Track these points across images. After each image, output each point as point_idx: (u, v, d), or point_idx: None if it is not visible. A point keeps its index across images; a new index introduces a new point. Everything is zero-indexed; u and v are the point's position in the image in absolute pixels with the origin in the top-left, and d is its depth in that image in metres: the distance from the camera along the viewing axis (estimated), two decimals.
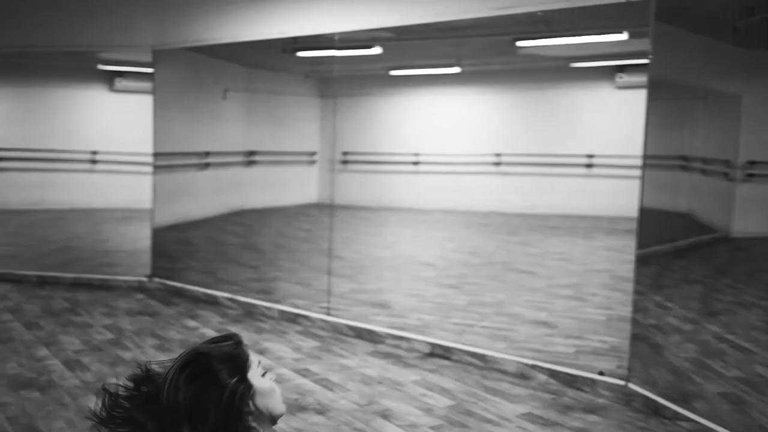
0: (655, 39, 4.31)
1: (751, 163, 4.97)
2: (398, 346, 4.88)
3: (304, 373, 4.38)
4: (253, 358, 1.55)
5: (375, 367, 4.50)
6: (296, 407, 3.84)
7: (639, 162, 6.91)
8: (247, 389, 1.48)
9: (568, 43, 7.49)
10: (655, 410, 3.86)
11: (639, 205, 4.32)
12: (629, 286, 5.20)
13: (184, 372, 1.47)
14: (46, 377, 4.22)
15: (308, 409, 3.82)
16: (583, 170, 9.33)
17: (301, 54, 7.43)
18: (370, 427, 3.62)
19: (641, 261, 4.60)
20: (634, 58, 9.08)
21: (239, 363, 1.51)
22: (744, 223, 5.29)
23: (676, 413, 3.74)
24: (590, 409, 3.92)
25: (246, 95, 8.07)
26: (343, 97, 6.58)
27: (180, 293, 6.37)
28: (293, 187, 9.22)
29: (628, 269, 6.44)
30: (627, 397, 4.02)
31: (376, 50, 6.88)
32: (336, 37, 5.62)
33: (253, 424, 1.48)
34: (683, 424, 3.68)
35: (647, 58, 4.84)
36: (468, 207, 9.54)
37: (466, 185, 9.61)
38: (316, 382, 4.24)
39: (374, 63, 8.74)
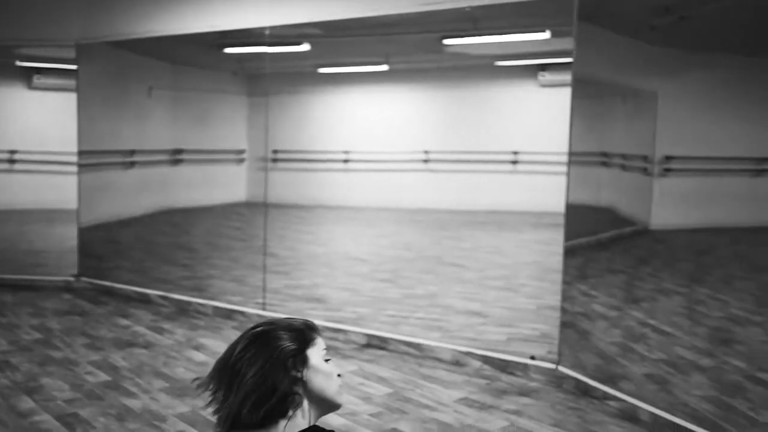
0: (578, 38, 4.46)
1: (668, 158, 5.20)
2: (335, 338, 4.93)
3: None
4: (321, 341, 1.54)
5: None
6: None
7: (563, 158, 7.12)
8: (300, 356, 1.48)
9: (493, 42, 7.66)
10: (585, 391, 4.01)
11: (566, 199, 4.48)
12: (557, 277, 5.38)
13: (249, 332, 1.50)
14: None
15: None
16: (509, 167, 9.56)
17: (229, 50, 7.37)
18: None
19: (568, 253, 4.76)
20: (555, 57, 9.35)
21: (302, 336, 1.51)
22: (662, 216, 5.54)
23: (605, 393, 3.90)
24: (523, 392, 4.05)
25: (172, 93, 7.95)
26: (271, 95, 6.57)
27: (109, 292, 6.25)
28: (221, 185, 9.14)
29: (555, 261, 6.65)
30: (558, 380, 4.17)
31: (305, 47, 6.89)
32: (267, 32, 5.62)
33: (299, 391, 1.47)
34: (611, 403, 3.84)
35: (569, 56, 5.01)
36: (398, 204, 9.64)
37: (397, 182, 9.72)
38: None
39: (303, 60, 8.74)
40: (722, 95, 5.25)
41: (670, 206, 5.48)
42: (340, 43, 7.99)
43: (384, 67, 9.43)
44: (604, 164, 5.33)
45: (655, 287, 5.46)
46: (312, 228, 9.21)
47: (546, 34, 6.61)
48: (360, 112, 9.91)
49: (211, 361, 4.34)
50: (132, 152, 7.30)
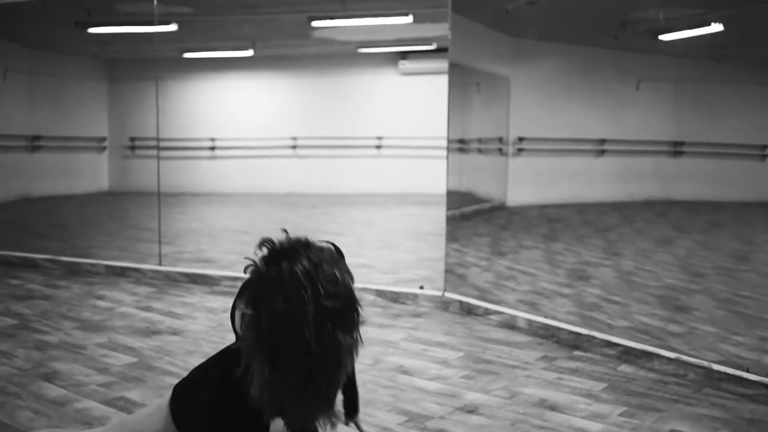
0: (452, 25, 4.84)
1: (521, 139, 5.84)
2: (234, 286, 5.16)
3: (148, 309, 4.55)
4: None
5: (217, 302, 4.77)
6: (150, 332, 4.03)
7: (424, 143, 7.70)
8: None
9: (359, 26, 8.06)
10: (469, 311, 4.52)
11: (446, 177, 4.92)
12: (430, 238, 5.90)
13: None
14: None
15: (163, 333, 4.02)
16: (374, 152, 10.06)
17: (93, 30, 7.30)
18: (227, 340, 3.90)
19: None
20: (417, 44, 9.93)
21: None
22: (517, 194, 6.19)
23: (486, 309, 4.43)
24: (415, 315, 4.51)
25: (29, 77, 7.79)
26: (135, 81, 6.62)
27: None
28: (82, 173, 8.98)
29: (425, 226, 7.22)
30: (444, 304, 4.66)
31: (173, 27, 6.96)
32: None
33: None
34: (493, 317, 4.37)
35: (430, 44, 5.42)
36: (267, 189, 9.88)
37: (265, 168, 9.95)
38: (163, 314, 4.43)
39: (168, 44, 8.77)
40: (566, 81, 5.96)
41: (523, 185, 6.14)
42: (207, 22, 8.12)
43: (249, 53, 9.63)
44: (461, 150, 5.81)
45: (516, 244, 6.12)
46: (183, 209, 9.28)
47: (409, 18, 7.06)
48: (226, 98, 10.05)
49: (117, 308, 4.48)
50: None
